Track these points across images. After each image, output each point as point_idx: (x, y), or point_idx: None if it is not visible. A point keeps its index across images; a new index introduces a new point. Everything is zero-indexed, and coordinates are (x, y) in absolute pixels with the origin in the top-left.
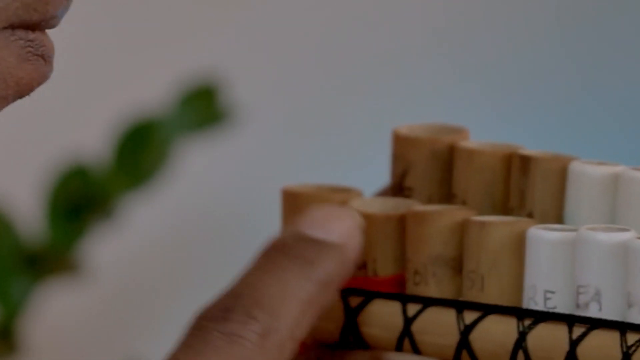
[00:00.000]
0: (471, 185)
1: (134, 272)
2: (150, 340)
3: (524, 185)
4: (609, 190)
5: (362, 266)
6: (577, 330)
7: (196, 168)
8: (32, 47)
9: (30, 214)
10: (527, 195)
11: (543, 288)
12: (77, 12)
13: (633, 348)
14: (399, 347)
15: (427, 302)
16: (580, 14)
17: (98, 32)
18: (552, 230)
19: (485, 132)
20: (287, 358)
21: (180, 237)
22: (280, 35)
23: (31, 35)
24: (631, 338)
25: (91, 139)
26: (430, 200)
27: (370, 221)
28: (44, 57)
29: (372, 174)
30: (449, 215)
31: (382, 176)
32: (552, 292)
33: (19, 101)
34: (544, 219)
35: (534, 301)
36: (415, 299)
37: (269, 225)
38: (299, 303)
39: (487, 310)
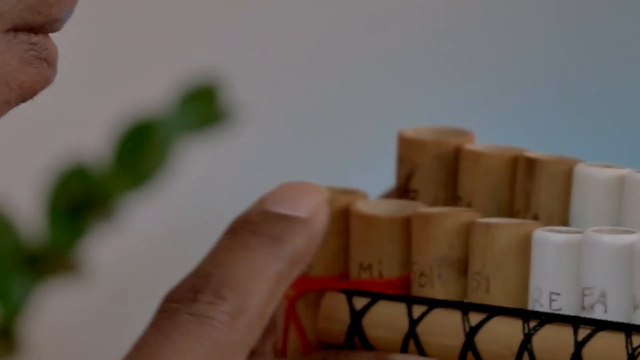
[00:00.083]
0: (476, 187)
1: (133, 272)
2: None
3: (530, 188)
4: (614, 192)
5: (367, 268)
6: (583, 332)
7: (196, 168)
8: (35, 51)
9: (30, 214)
10: (532, 198)
11: (548, 290)
12: (77, 12)
13: (638, 350)
14: (404, 349)
15: (433, 304)
16: (581, 14)
17: (98, 32)
18: (558, 233)
19: (485, 133)
20: (257, 337)
21: (180, 237)
22: (280, 35)
23: (34, 38)
24: (637, 340)
25: (91, 139)
26: (435, 203)
27: (376, 223)
28: (48, 61)
29: (372, 174)
30: (454, 217)
31: (382, 176)
32: (558, 294)
33: None
34: (550, 222)
35: (540, 303)
36: (421, 300)
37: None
38: (268, 281)
39: (492, 312)
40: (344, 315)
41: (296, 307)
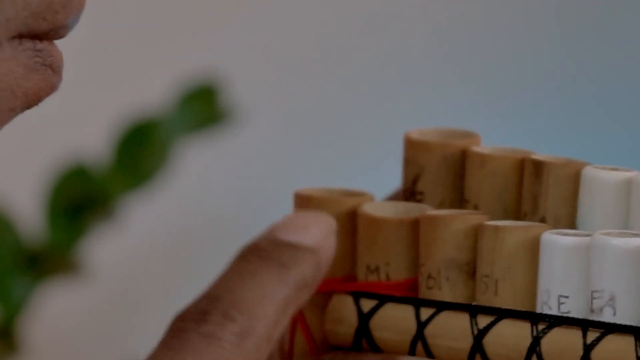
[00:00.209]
0: (483, 190)
1: (133, 272)
2: (150, 340)
3: (537, 191)
4: (622, 195)
5: (374, 270)
6: (591, 335)
7: (196, 168)
8: (40, 57)
9: (30, 214)
10: (539, 201)
11: (557, 293)
12: None
13: None
14: (411, 351)
15: (441, 306)
16: (582, 14)
17: (98, 32)
18: (567, 236)
19: (488, 133)
20: (263, 359)
21: (180, 237)
22: (280, 36)
23: (39, 45)
24: None
25: (91, 139)
26: (441, 205)
27: (383, 225)
28: (53, 67)
29: (372, 174)
30: (462, 219)
31: (382, 176)
32: (566, 297)
33: None
34: (557, 224)
35: (548, 306)
36: (429, 303)
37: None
38: (276, 305)
39: (500, 314)
40: (352, 317)
41: (303, 309)
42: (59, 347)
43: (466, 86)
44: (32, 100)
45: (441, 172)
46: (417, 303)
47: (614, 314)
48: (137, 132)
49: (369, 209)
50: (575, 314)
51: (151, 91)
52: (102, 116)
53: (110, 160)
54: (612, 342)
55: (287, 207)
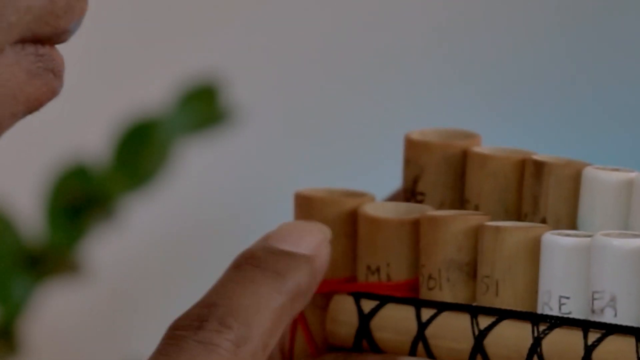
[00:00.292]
0: (484, 190)
1: (134, 272)
2: (150, 340)
3: (538, 191)
4: (623, 196)
5: (375, 270)
6: (592, 336)
7: (196, 168)
8: (42, 62)
9: (30, 214)
10: (540, 201)
11: (558, 293)
12: None
13: None
14: (412, 352)
15: (441, 307)
16: (583, 14)
17: (98, 32)
18: (567, 236)
19: (489, 133)
20: None
21: (179, 237)
22: (280, 36)
23: (41, 49)
24: None
25: (91, 139)
26: (442, 206)
27: (384, 226)
28: (54, 72)
29: (372, 174)
30: (463, 220)
31: (381, 176)
32: (567, 298)
33: None
34: (557, 225)
35: (549, 306)
36: (429, 303)
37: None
38: (271, 313)
39: (501, 315)
40: (352, 318)
41: (304, 309)
42: (59, 347)
43: (467, 86)
44: (33, 106)
45: (442, 172)
46: (418, 304)
47: (615, 315)
48: (137, 132)
49: (369, 209)
50: (576, 314)
51: (151, 91)
52: (102, 116)
53: (110, 160)
54: (613, 343)
55: (287, 207)
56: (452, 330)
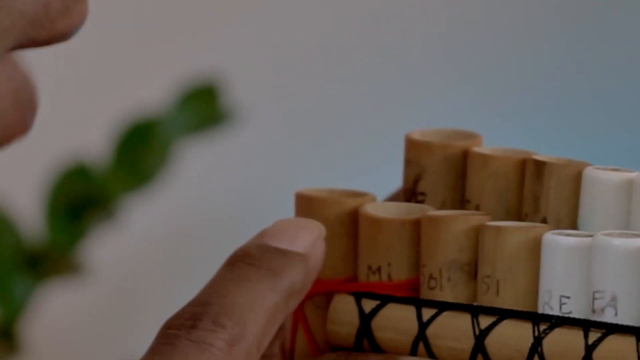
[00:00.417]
0: (485, 190)
1: (134, 272)
2: (150, 341)
3: (538, 191)
4: (623, 196)
5: (376, 270)
6: (593, 336)
7: (196, 168)
8: (26, 94)
9: (30, 214)
10: (541, 201)
11: (559, 293)
12: None
13: None
14: (413, 352)
15: (442, 307)
16: (584, 15)
17: (98, 32)
18: (568, 236)
19: (490, 133)
20: None
21: (180, 237)
22: (280, 36)
23: (28, 84)
24: None
25: (91, 139)
26: (443, 206)
27: (385, 226)
28: (33, 109)
29: (372, 174)
30: (464, 220)
31: (380, 176)
32: (568, 297)
33: None
34: (558, 225)
35: (550, 306)
36: (430, 303)
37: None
38: (266, 312)
39: (502, 315)
40: (353, 318)
41: (305, 309)
42: (59, 347)
43: (468, 87)
44: (4, 140)
45: (442, 172)
46: (419, 303)
47: (616, 315)
48: (137, 132)
49: (370, 209)
50: (576, 314)
51: (151, 91)
52: (102, 116)
53: (110, 160)
54: (613, 343)
55: (287, 207)
56: (453, 330)
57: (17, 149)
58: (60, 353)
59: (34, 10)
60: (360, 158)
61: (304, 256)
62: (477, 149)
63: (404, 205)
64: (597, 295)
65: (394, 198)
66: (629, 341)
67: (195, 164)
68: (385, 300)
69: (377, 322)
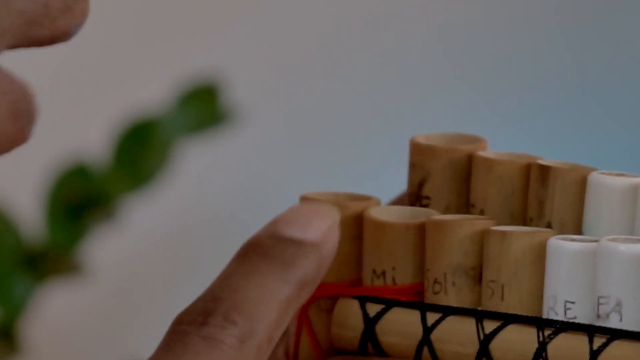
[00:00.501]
0: (489, 195)
1: (134, 272)
2: (150, 340)
3: (543, 196)
4: (628, 201)
5: (380, 274)
6: (598, 341)
7: (196, 168)
8: (25, 104)
9: (30, 214)
10: (545, 206)
11: (563, 298)
12: None
13: None
14: (418, 356)
15: (447, 311)
16: (588, 17)
17: (98, 32)
18: (573, 241)
19: (493, 138)
20: None
21: (180, 237)
22: (280, 36)
23: (25, 92)
24: None
25: (91, 139)
26: (447, 210)
27: (389, 230)
28: (32, 119)
29: (377, 178)
30: (469, 224)
31: (387, 180)
32: (573, 303)
33: None
34: (563, 230)
35: (554, 311)
36: (435, 307)
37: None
38: (277, 305)
39: (507, 319)
40: (358, 322)
41: (309, 313)
42: (59, 347)
43: (472, 90)
44: (2, 149)
45: (447, 176)
46: (423, 308)
47: (621, 320)
48: (137, 132)
49: (375, 213)
50: (581, 319)
51: (151, 91)
52: (102, 116)
53: (110, 160)
54: (618, 348)
55: (287, 207)
56: (457, 335)
57: (17, 149)
58: (60, 353)
59: (33, 10)
60: (364, 161)
61: (317, 245)
62: (482, 153)
63: (409, 209)
64: (602, 300)
65: (398, 202)
66: (634, 347)
67: (195, 164)
68: (389, 304)
69: (381, 326)
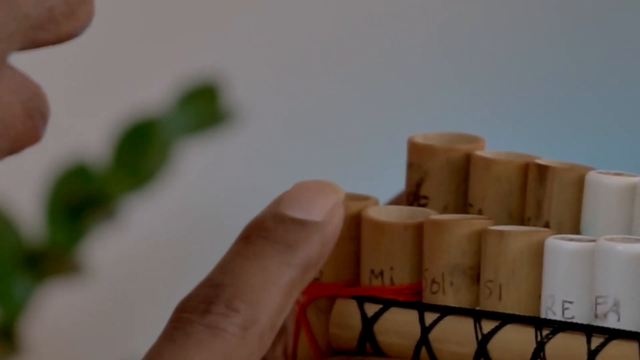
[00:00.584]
0: (487, 194)
1: (134, 272)
2: (150, 340)
3: (541, 195)
4: (626, 201)
5: (378, 274)
6: (596, 341)
7: (196, 168)
8: (37, 103)
9: (30, 214)
10: (543, 205)
11: (561, 298)
12: None
13: None
14: (416, 356)
15: (445, 311)
16: (588, 17)
17: (98, 32)
18: (571, 241)
19: (491, 137)
20: (267, 347)
21: (180, 237)
22: (280, 36)
23: (38, 89)
24: None
25: (91, 139)
26: (445, 210)
27: (387, 229)
28: (44, 118)
29: (375, 178)
30: (467, 224)
31: (385, 180)
32: (571, 302)
33: None
34: (561, 229)
35: (552, 311)
36: (433, 307)
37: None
38: (281, 291)
39: (505, 319)
40: (356, 322)
41: (307, 313)
42: (59, 347)
43: (470, 90)
44: (18, 147)
45: (445, 176)
46: (421, 307)
47: (618, 320)
48: (137, 132)
49: (373, 213)
50: (579, 319)
51: (151, 91)
52: (102, 116)
53: (110, 160)
54: (616, 348)
55: None
56: (455, 335)
57: (28, 148)
58: (60, 353)
59: (37, 15)
60: (361, 160)
61: (321, 225)
62: (480, 153)
63: (407, 209)
64: (599, 300)
65: (396, 202)
66: (632, 346)
67: (195, 164)
68: (387, 304)
69: (379, 326)
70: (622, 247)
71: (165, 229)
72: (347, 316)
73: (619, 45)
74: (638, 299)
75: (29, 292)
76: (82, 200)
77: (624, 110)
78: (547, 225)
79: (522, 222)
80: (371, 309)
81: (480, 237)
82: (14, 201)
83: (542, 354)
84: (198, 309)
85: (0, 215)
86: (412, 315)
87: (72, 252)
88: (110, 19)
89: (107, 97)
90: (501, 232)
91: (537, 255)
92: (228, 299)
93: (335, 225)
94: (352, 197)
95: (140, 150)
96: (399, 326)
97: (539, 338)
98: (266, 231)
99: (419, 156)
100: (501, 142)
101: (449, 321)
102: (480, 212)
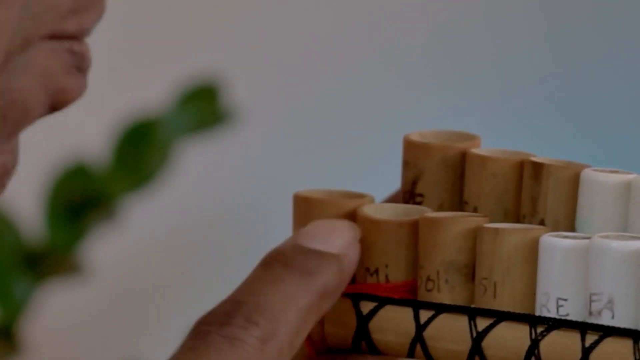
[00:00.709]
0: (483, 192)
1: (134, 272)
2: (150, 340)
3: (536, 193)
4: (621, 198)
5: (373, 272)
6: (590, 338)
7: (196, 168)
8: (76, 61)
9: (30, 214)
10: (539, 203)
11: (556, 295)
12: None
13: None
14: (411, 354)
15: (440, 309)
16: (584, 16)
17: (98, 32)
18: (565, 238)
19: (488, 135)
20: None
21: (180, 237)
22: (280, 36)
23: (76, 46)
24: None
25: (91, 139)
26: (441, 207)
27: (383, 227)
28: (84, 72)
29: (371, 176)
30: (462, 222)
31: (381, 178)
32: (565, 300)
33: None
34: (556, 227)
35: (547, 308)
36: (428, 305)
37: (269, 225)
38: (298, 312)
39: (499, 317)
40: (351, 320)
41: None
42: (59, 347)
43: (466, 88)
44: (61, 102)
45: (441, 174)
46: (416, 305)
47: (613, 317)
48: (137, 132)
49: (368, 210)
50: (573, 316)
51: (151, 91)
52: (103, 116)
53: (110, 160)
54: (610, 345)
55: (286, 207)
56: (450, 332)
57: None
58: (60, 353)
59: (63, 3)
60: (359, 159)
61: (338, 257)
62: (475, 151)
63: (402, 207)
64: (594, 297)
65: (392, 199)
66: (626, 344)
67: (195, 163)
68: (382, 302)
69: (374, 324)
70: (616, 244)
71: (165, 229)
72: (342, 314)
73: (617, 45)
74: (632, 296)
75: (29, 292)
76: (82, 200)
77: (622, 109)
78: (542, 223)
79: (517, 219)
80: (366, 306)
81: (475, 235)
82: (14, 201)
83: (536, 352)
84: (218, 321)
85: (0, 215)
86: (407, 313)
87: (72, 252)
88: (110, 19)
89: (107, 97)
90: (496, 230)
91: (532, 252)
92: (248, 313)
93: (352, 258)
94: (347, 195)
95: (140, 150)
96: (394, 324)
97: (533, 335)
98: (285, 258)
99: (414, 154)
100: (500, 141)
101: (444, 319)
102: (475, 210)
